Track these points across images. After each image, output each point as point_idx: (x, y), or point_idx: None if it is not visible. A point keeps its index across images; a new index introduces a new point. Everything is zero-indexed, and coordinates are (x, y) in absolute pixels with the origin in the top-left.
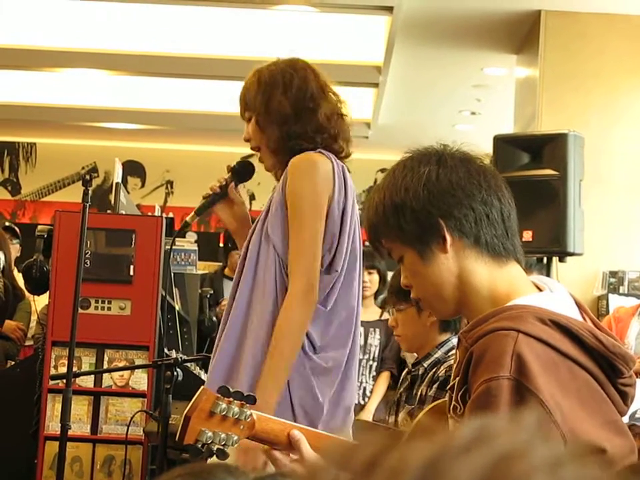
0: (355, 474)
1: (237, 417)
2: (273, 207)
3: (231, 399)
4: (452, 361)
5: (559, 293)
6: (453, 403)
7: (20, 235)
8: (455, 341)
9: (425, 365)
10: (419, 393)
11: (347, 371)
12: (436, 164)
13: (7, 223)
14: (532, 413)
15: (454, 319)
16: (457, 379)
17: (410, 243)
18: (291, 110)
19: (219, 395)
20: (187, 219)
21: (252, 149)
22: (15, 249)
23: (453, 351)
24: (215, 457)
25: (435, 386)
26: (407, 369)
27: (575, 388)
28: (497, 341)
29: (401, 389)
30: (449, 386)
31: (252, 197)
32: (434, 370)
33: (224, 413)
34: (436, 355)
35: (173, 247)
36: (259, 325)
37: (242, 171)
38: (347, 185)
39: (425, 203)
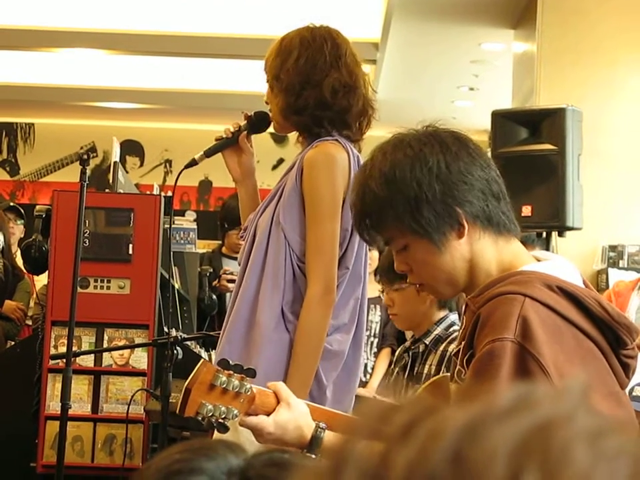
0: (390, 438)
1: (237, 390)
2: (285, 193)
3: (231, 372)
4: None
5: (564, 262)
6: (458, 367)
7: (24, 216)
8: (452, 317)
9: (427, 341)
10: (424, 372)
11: (353, 357)
12: (441, 152)
13: (11, 203)
14: (577, 382)
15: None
16: (463, 343)
17: (425, 234)
18: (297, 81)
19: (219, 368)
20: (196, 157)
21: (269, 111)
22: (19, 229)
23: (453, 327)
24: (215, 430)
25: (445, 363)
26: (403, 347)
27: (579, 356)
28: (503, 304)
29: (397, 368)
30: (453, 351)
31: None
32: (438, 347)
33: (224, 386)
34: (436, 332)
35: (172, 226)
36: (267, 316)
37: (257, 122)
38: None
39: (441, 194)
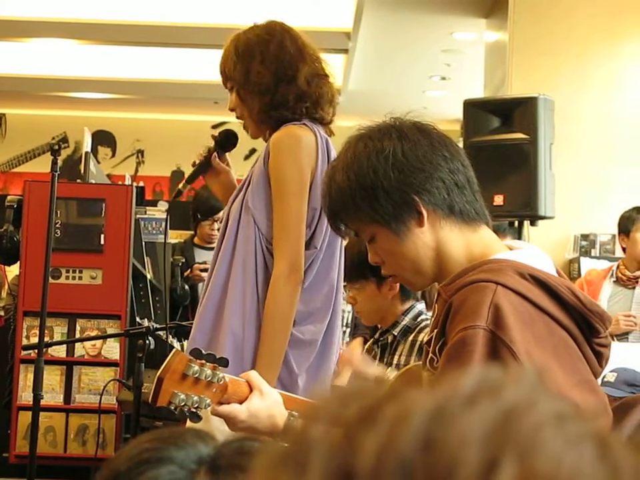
0: (354, 423)
1: (209, 379)
2: (254, 179)
3: (204, 362)
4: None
5: (536, 251)
6: (430, 355)
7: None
8: (419, 306)
9: (395, 332)
10: (394, 362)
11: (326, 345)
12: (398, 140)
13: None
14: (532, 367)
15: None
16: (435, 331)
17: (384, 223)
18: (271, 80)
19: (192, 357)
20: (180, 186)
21: (237, 117)
22: None
23: (421, 317)
24: (187, 419)
25: (416, 352)
26: (372, 339)
27: (551, 344)
28: (475, 292)
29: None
30: (425, 339)
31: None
32: (407, 337)
33: (196, 376)
34: (404, 322)
35: (144, 216)
36: (237, 298)
37: (224, 141)
38: (330, 157)
39: (397, 182)
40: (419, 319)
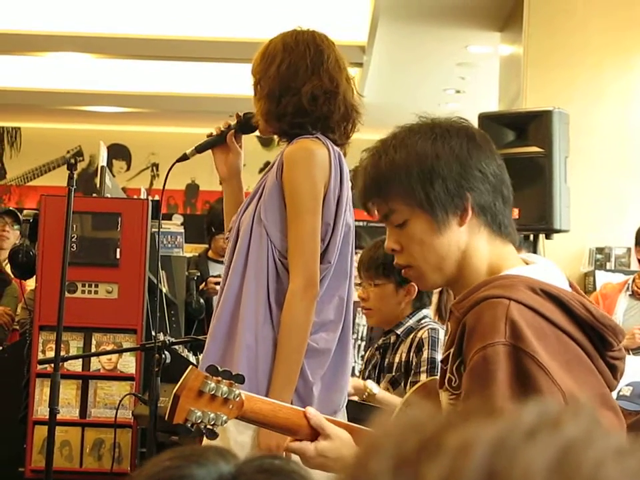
0: (413, 458)
1: (225, 396)
2: (266, 191)
3: (220, 378)
4: (432, 325)
5: (549, 265)
6: (448, 375)
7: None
8: (425, 311)
9: (398, 332)
10: (395, 360)
11: (340, 355)
12: (466, 137)
13: (11, 208)
14: (587, 401)
15: (427, 297)
16: (451, 350)
17: (430, 209)
18: (277, 87)
19: (208, 374)
20: (187, 152)
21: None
22: (14, 234)
23: (425, 320)
24: (204, 436)
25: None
26: (375, 345)
27: (564, 358)
28: (489, 309)
29: (369, 367)
30: (441, 358)
31: None
32: (409, 336)
33: (213, 392)
34: (408, 323)
35: (159, 230)
36: (251, 311)
37: (246, 123)
38: (343, 172)
39: (456, 173)
40: (422, 321)
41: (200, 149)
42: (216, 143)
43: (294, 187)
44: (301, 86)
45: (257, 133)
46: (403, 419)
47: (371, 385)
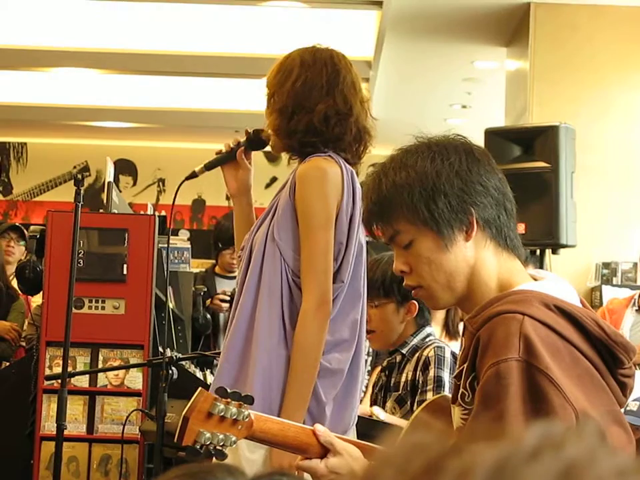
0: (417, 478)
1: (235, 417)
2: (279, 209)
3: (229, 400)
4: (438, 343)
5: (560, 281)
6: (461, 390)
7: (26, 236)
8: (429, 329)
9: (404, 351)
10: (402, 380)
11: (352, 375)
12: (464, 152)
13: (17, 223)
14: (591, 421)
15: (428, 313)
16: (465, 365)
17: (435, 226)
18: (290, 103)
19: (217, 396)
20: (196, 169)
21: (266, 127)
22: (19, 249)
23: (430, 338)
24: (213, 458)
25: (421, 366)
26: (380, 367)
27: (576, 375)
28: (503, 324)
29: (376, 389)
30: (454, 374)
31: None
32: (414, 355)
33: (222, 414)
34: (413, 342)
35: (166, 245)
36: (265, 331)
37: (256, 139)
38: (355, 191)
39: (458, 189)
40: (427, 340)
41: (209, 167)
42: (225, 160)
43: (306, 205)
44: (314, 105)
45: (265, 148)
46: (409, 440)
47: (377, 411)
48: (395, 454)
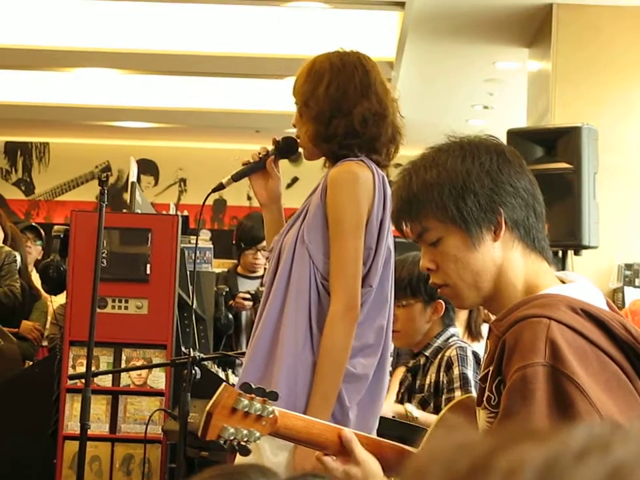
0: (464, 478)
1: (259, 413)
2: (310, 214)
3: (253, 396)
4: (459, 343)
5: (588, 284)
6: (487, 393)
7: (43, 236)
8: (452, 330)
9: (427, 353)
10: (426, 382)
11: (378, 381)
12: (495, 153)
13: (33, 224)
14: (637, 423)
15: (453, 312)
16: (490, 368)
17: (463, 225)
18: (327, 109)
19: (241, 392)
20: (223, 181)
21: (296, 136)
22: (36, 249)
23: (452, 339)
24: (237, 453)
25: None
26: (405, 368)
27: (604, 379)
28: (529, 328)
29: (402, 389)
30: (479, 376)
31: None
32: (439, 356)
33: (246, 410)
34: (436, 344)
35: (188, 245)
36: (291, 334)
37: (285, 147)
38: (387, 196)
39: (488, 189)
40: (449, 340)
41: (236, 178)
42: (253, 170)
43: (337, 209)
44: (352, 107)
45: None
46: (451, 440)
47: (411, 408)
48: (438, 455)
